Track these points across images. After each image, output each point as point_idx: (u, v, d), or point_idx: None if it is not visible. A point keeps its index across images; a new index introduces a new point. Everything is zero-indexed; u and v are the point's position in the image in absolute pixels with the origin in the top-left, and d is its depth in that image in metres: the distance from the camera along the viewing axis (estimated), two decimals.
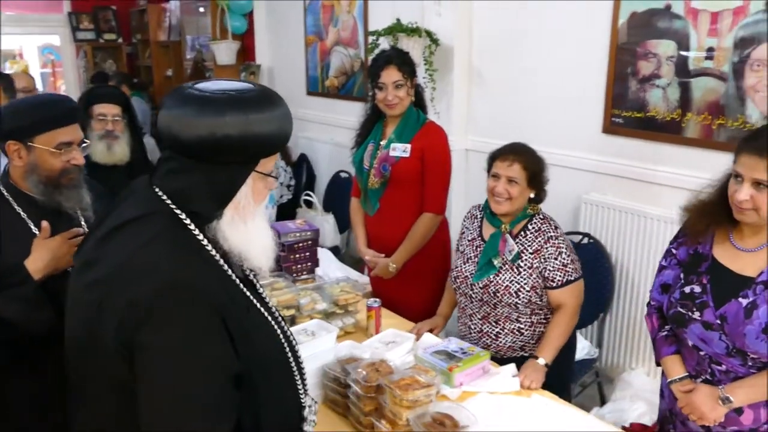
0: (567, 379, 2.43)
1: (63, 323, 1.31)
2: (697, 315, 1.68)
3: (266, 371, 1.18)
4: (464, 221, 2.41)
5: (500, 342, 2.22)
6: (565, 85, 3.17)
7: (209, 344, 1.07)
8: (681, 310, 1.71)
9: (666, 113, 2.78)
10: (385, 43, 3.55)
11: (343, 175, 4.56)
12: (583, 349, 2.80)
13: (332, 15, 4.84)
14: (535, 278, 2.14)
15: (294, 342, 1.32)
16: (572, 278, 2.15)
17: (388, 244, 2.61)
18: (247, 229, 1.17)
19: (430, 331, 2.32)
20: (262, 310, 1.25)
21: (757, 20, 2.44)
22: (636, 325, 2.94)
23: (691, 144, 2.71)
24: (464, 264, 2.28)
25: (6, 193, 1.78)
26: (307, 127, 5.19)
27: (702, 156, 2.66)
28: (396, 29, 3.49)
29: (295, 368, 1.28)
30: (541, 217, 2.22)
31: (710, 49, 2.60)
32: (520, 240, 2.18)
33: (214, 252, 1.15)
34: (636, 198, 2.91)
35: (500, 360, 2.17)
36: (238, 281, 1.19)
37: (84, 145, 1.82)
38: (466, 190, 3.76)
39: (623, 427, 2.55)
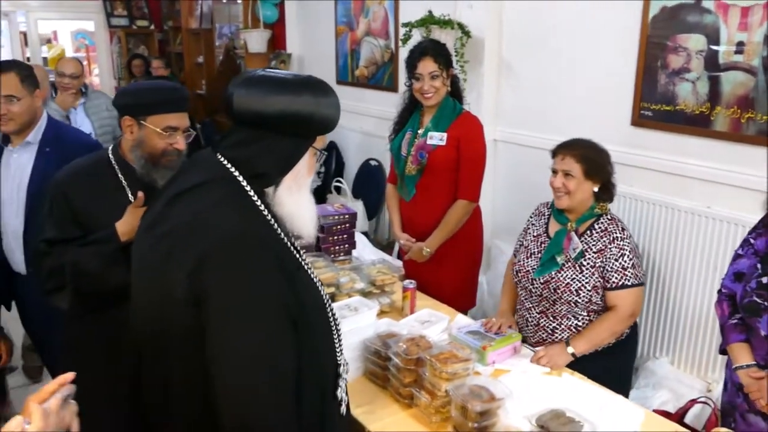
0: (623, 379, 2.42)
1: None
2: None
3: (311, 327, 1.29)
4: (530, 218, 2.45)
5: (556, 337, 2.25)
6: (595, 77, 3.23)
7: (274, 285, 1.20)
8: (757, 299, 1.73)
9: (695, 107, 2.83)
10: (417, 35, 3.63)
11: (372, 163, 4.67)
12: None
13: (363, 6, 4.93)
14: (596, 278, 2.17)
15: (331, 305, 1.45)
16: (629, 283, 2.15)
17: (422, 228, 2.72)
18: (300, 197, 1.34)
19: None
20: (308, 270, 1.38)
21: None
22: (661, 316, 3.01)
23: (719, 137, 2.76)
24: (527, 259, 2.33)
25: (114, 162, 1.97)
26: None
27: (731, 149, 2.71)
28: (429, 21, 3.57)
29: (334, 329, 1.41)
30: (609, 217, 2.23)
31: (740, 44, 2.65)
32: (586, 239, 2.20)
33: (269, 216, 1.29)
34: (664, 190, 2.97)
35: None
36: (289, 243, 1.32)
37: (188, 132, 1.97)
38: (494, 179, 3.84)
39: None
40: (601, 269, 2.16)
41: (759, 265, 1.78)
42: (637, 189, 3.08)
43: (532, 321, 2.31)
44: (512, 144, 3.71)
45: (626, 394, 2.34)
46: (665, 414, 2.69)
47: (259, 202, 1.28)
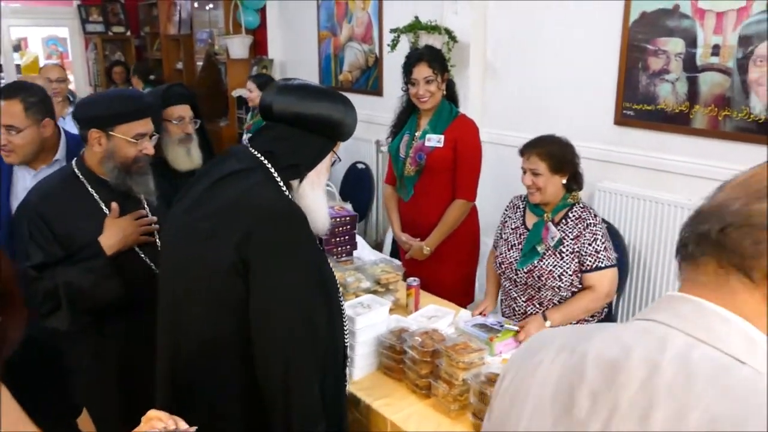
0: None
1: (129, 293, 1.77)
2: None
3: (330, 307, 1.46)
4: (506, 210, 2.58)
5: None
6: (578, 79, 3.38)
7: (314, 256, 1.43)
8: None
9: (675, 106, 2.99)
10: (405, 40, 3.74)
11: (359, 166, 4.76)
12: None
13: (346, 11, 5.01)
14: (576, 263, 2.31)
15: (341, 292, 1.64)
16: (602, 265, 2.29)
17: (421, 228, 2.83)
18: (319, 194, 1.52)
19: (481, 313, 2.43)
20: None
21: (759, 20, 2.66)
22: (647, 305, 3.16)
23: (698, 134, 2.92)
24: (508, 251, 2.45)
25: (81, 176, 1.95)
26: None
27: (709, 145, 2.88)
28: (416, 27, 3.68)
29: (344, 312, 1.58)
30: (582, 206, 2.37)
31: (716, 46, 2.81)
32: (562, 227, 2.34)
33: None
34: (647, 185, 3.13)
35: None
36: None
37: (154, 136, 2.00)
38: (480, 179, 3.95)
39: None
40: (579, 254, 2.30)
41: None
42: (621, 185, 3.23)
43: (519, 309, 2.44)
44: (498, 145, 3.83)
45: None
46: None
47: (286, 192, 1.44)
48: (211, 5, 6.53)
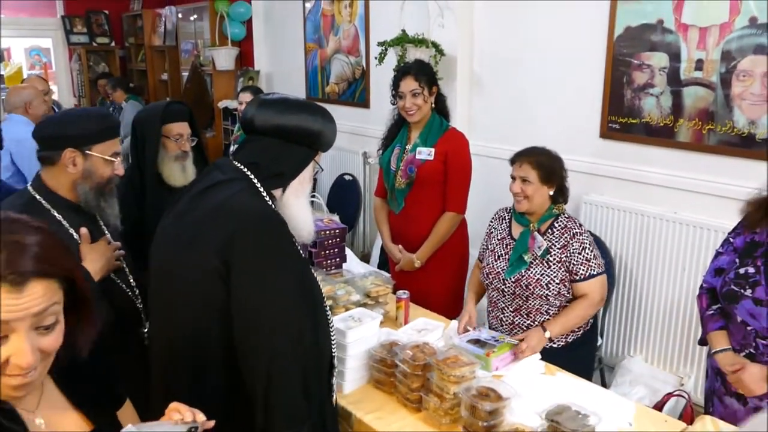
0: (589, 367, 2.62)
1: (115, 316, 1.75)
2: (749, 292, 1.89)
3: (316, 317, 1.46)
4: (491, 222, 2.60)
5: None
6: (564, 93, 3.41)
7: (296, 262, 1.42)
8: (734, 288, 1.92)
9: (659, 119, 3.03)
10: (392, 53, 3.76)
11: (346, 177, 4.76)
12: None
13: (333, 24, 5.04)
14: (563, 272, 2.34)
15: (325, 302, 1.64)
16: (595, 272, 2.33)
17: (411, 239, 2.84)
18: (303, 202, 1.57)
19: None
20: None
21: (741, 35, 2.71)
22: (635, 315, 3.19)
23: (683, 148, 2.96)
24: (495, 261, 2.47)
25: (43, 201, 1.83)
26: None
27: (693, 159, 2.92)
28: (403, 40, 3.70)
29: (330, 321, 1.59)
30: (567, 216, 2.42)
31: (699, 61, 2.86)
32: (548, 237, 2.37)
33: None
34: (632, 198, 3.16)
35: None
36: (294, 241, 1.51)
37: (119, 157, 1.93)
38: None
39: None
40: (567, 263, 2.33)
41: (737, 260, 1.97)
42: (607, 197, 3.26)
43: (507, 320, 2.45)
44: (485, 157, 3.85)
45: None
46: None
47: (269, 200, 1.48)
48: (195, 16, 6.53)
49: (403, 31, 3.77)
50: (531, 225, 2.40)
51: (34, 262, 0.91)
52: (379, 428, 1.84)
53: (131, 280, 2.02)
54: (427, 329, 2.33)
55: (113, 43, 7.89)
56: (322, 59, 5.23)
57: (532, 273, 2.36)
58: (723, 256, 2.05)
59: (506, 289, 2.42)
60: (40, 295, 0.92)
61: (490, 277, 2.49)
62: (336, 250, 2.78)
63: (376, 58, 3.84)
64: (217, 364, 1.40)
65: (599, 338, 3.16)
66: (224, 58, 5.95)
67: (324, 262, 2.73)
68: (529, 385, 1.98)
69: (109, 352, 1.91)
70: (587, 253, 2.34)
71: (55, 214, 1.82)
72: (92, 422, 1.09)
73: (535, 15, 3.49)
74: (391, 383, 2.00)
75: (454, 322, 2.47)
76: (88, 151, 1.82)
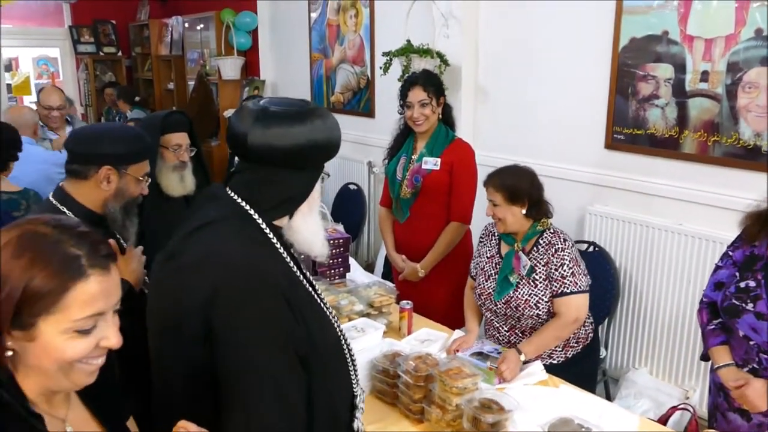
0: (591, 380, 2.56)
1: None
2: (750, 306, 1.86)
3: (324, 360, 1.33)
4: (482, 238, 2.57)
5: None
6: (569, 104, 3.41)
7: (281, 321, 1.23)
8: (735, 302, 1.89)
9: (664, 130, 3.02)
10: (397, 63, 3.77)
11: (351, 187, 4.77)
12: None
13: (338, 34, 5.06)
14: (550, 289, 2.29)
15: (345, 336, 1.49)
16: (568, 291, 2.26)
17: (416, 249, 2.83)
18: (314, 221, 1.39)
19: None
20: (321, 303, 1.42)
21: (747, 47, 2.70)
22: (640, 327, 3.17)
23: (688, 159, 2.95)
24: (486, 281, 2.44)
25: (69, 212, 1.82)
26: None
27: (698, 170, 2.91)
28: (408, 50, 3.71)
29: (348, 359, 1.45)
30: (552, 231, 2.35)
31: (705, 73, 2.85)
32: (533, 255, 2.32)
33: (281, 249, 1.34)
34: (637, 209, 3.15)
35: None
36: (300, 276, 1.38)
37: (148, 178, 1.96)
38: None
39: None
40: (549, 279, 2.29)
41: (737, 273, 1.94)
42: (611, 208, 3.25)
43: (503, 339, 2.43)
44: (489, 167, 3.82)
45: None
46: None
47: (271, 235, 1.33)
48: (202, 26, 6.57)
49: (408, 41, 3.78)
50: (516, 245, 2.36)
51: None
52: None
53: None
54: (430, 340, 2.32)
55: (120, 53, 7.94)
56: (327, 69, 5.25)
57: (519, 294, 2.32)
58: (722, 269, 2.03)
59: (498, 310, 2.40)
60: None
61: (482, 298, 2.46)
62: (340, 259, 2.78)
63: (381, 68, 3.85)
64: (211, 393, 1.28)
65: (603, 350, 3.15)
66: (230, 67, 5.98)
67: (327, 272, 2.73)
68: (532, 398, 1.97)
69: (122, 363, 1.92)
70: (564, 270, 2.27)
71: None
72: None
73: (540, 26, 3.50)
74: (393, 394, 1.99)
75: (457, 332, 2.46)
76: (123, 171, 1.85)
